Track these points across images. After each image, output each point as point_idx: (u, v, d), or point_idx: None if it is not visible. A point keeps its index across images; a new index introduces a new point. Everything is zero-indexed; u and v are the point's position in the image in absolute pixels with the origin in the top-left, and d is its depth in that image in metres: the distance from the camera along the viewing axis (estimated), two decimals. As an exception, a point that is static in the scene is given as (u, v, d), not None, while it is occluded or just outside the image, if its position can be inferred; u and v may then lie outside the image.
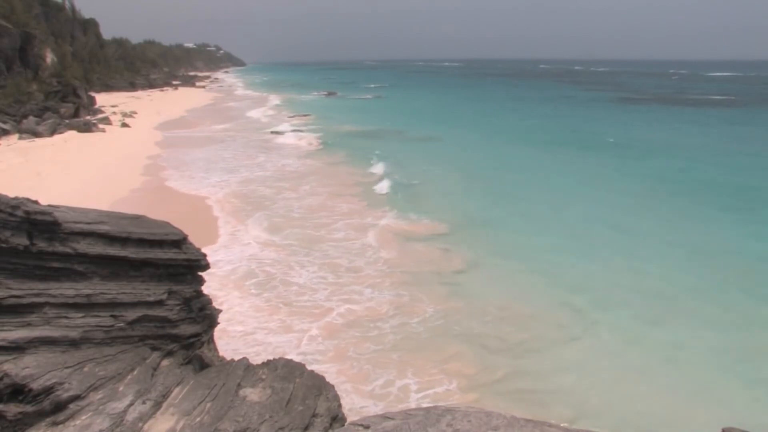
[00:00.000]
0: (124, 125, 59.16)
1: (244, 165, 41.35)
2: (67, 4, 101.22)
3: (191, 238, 11.08)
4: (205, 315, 10.93)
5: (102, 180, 33.15)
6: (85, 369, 8.83)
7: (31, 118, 50.58)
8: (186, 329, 10.44)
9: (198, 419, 8.64)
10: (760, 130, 63.12)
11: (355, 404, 13.07)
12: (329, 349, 15.67)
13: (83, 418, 8.20)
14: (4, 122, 48.19)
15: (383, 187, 34.09)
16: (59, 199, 11.93)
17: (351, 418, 10.43)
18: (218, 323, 11.74)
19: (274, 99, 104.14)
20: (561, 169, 40.67)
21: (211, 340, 11.59)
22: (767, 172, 39.29)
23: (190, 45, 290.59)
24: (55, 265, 9.39)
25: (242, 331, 16.40)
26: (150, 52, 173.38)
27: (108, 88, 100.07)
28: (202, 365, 10.55)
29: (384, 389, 13.97)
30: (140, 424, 8.35)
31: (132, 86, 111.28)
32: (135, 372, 9.24)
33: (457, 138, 55.46)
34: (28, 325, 8.88)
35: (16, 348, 8.60)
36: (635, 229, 26.79)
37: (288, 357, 11.47)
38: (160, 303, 10.12)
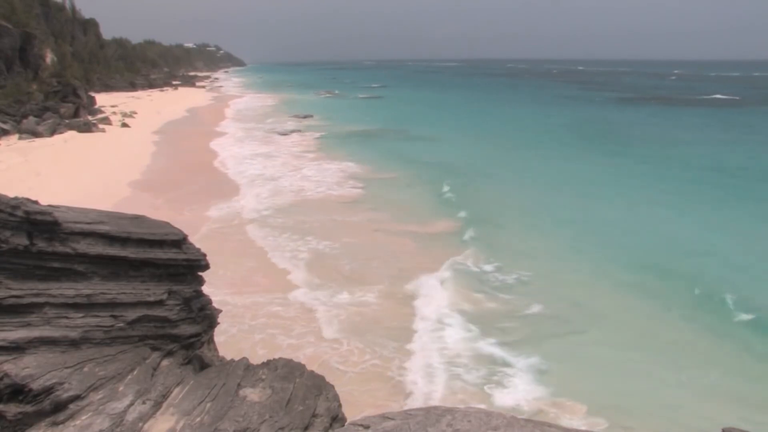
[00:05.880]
0: (124, 125, 59.16)
1: (244, 165, 41.40)
2: (67, 4, 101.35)
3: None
4: (204, 315, 10.92)
5: (102, 180, 33.12)
6: (85, 369, 8.82)
7: (31, 118, 50.54)
8: (186, 329, 10.43)
9: (198, 419, 8.63)
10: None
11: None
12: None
13: (83, 418, 8.19)
14: (4, 122, 48.17)
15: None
16: (59, 199, 11.91)
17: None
18: (218, 323, 11.73)
19: (275, 99, 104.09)
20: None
21: (211, 340, 11.58)
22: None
23: (190, 45, 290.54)
24: (55, 265, 9.38)
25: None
26: (150, 52, 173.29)
27: (108, 88, 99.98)
28: (202, 365, 10.54)
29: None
30: (140, 424, 8.35)
31: (132, 86, 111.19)
32: (135, 372, 9.23)
33: (455, 138, 55.94)
34: (28, 325, 8.87)
35: (16, 348, 8.59)
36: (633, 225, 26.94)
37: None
38: (160, 303, 10.11)
